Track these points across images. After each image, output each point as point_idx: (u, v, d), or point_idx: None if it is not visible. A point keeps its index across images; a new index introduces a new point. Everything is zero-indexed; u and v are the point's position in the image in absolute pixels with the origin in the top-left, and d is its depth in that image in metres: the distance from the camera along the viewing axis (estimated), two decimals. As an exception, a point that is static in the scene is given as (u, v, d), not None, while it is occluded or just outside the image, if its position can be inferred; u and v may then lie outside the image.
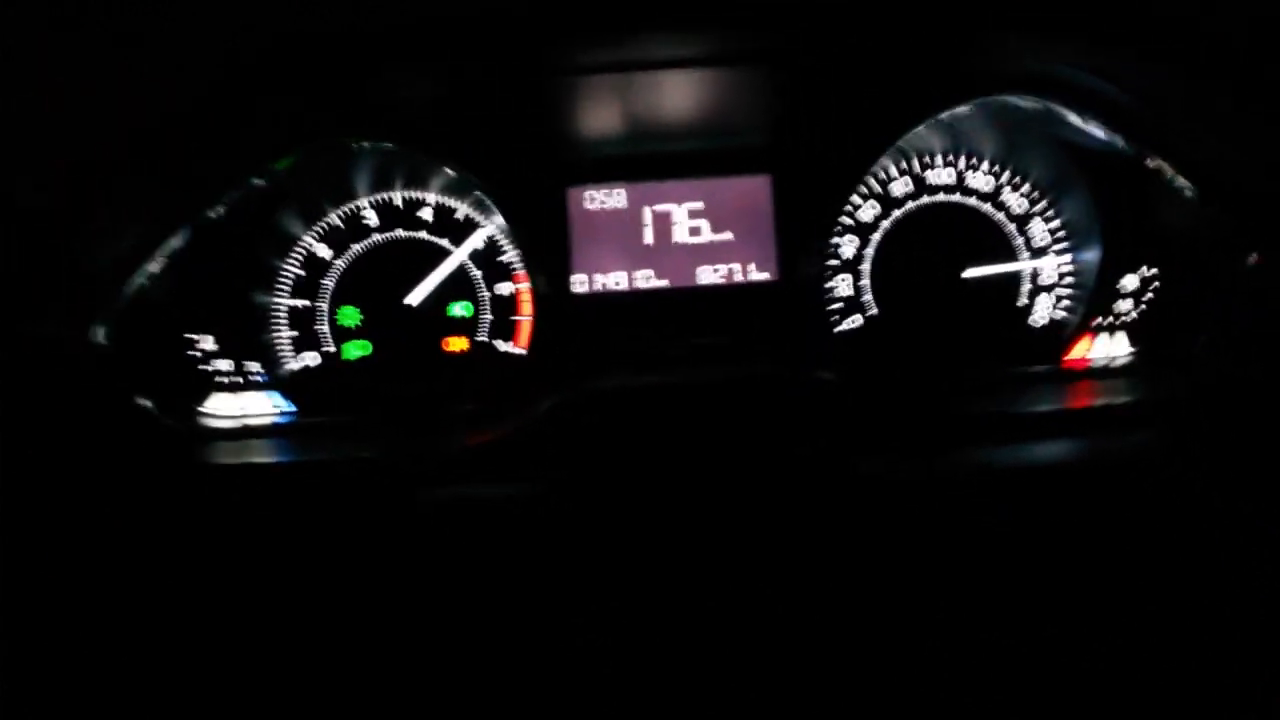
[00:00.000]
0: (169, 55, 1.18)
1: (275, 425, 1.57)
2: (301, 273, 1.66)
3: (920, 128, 1.53)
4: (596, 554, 1.26)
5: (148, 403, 1.46)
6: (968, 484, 1.29)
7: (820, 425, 1.41)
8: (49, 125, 1.19)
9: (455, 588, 1.26)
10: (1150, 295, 1.64)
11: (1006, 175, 1.70)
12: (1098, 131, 1.50)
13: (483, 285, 1.67)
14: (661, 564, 1.24)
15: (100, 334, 1.39)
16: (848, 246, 1.69)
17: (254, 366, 1.62)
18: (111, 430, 1.42)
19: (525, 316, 1.66)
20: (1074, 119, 1.50)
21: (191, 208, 1.45)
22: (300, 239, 1.66)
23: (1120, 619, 1.19)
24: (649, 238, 1.59)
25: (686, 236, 1.59)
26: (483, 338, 1.67)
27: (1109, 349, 1.67)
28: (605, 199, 1.59)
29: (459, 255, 1.65)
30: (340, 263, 1.66)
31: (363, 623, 1.25)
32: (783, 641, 1.20)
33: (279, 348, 1.65)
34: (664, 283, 1.59)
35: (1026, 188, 1.70)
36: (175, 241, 1.44)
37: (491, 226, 1.66)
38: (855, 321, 1.69)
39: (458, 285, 1.66)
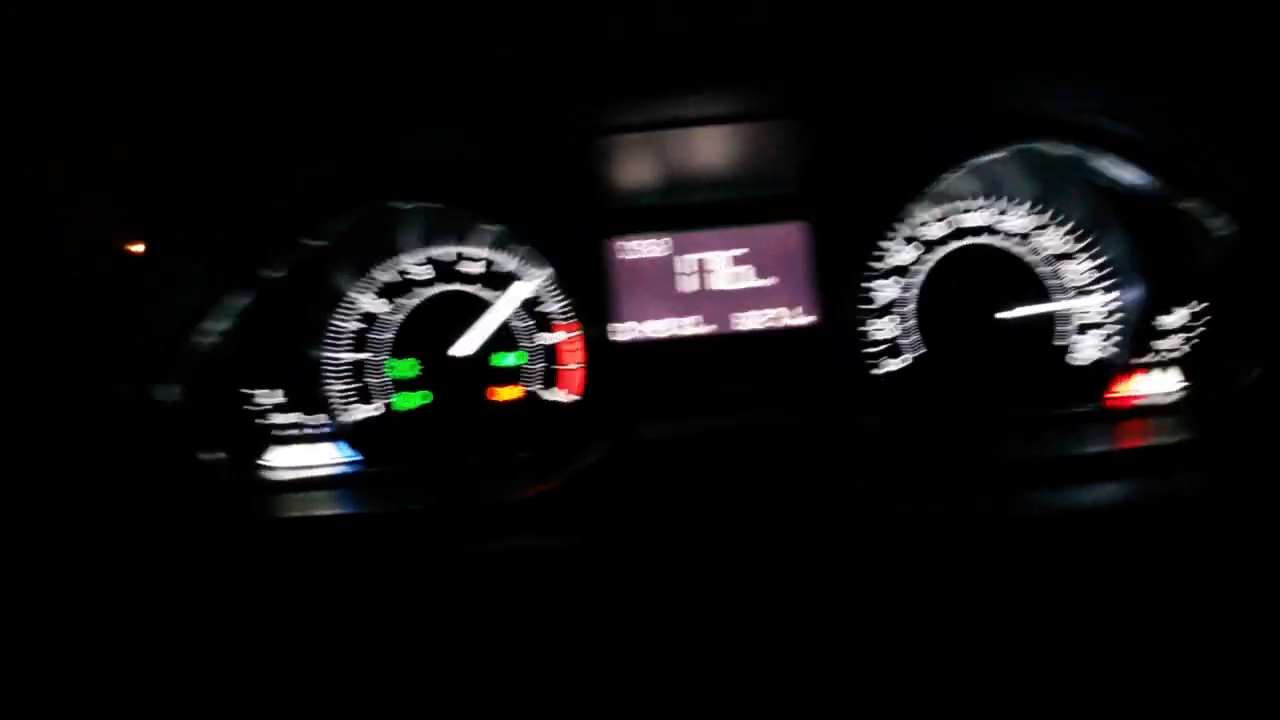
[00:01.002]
0: (219, 123, 1.25)
1: (333, 477, 1.61)
2: (357, 328, 1.72)
3: (954, 173, 1.56)
4: (646, 605, 1.27)
5: (213, 457, 1.52)
6: (1013, 528, 1.29)
7: (862, 470, 1.41)
8: (113, 190, 1.26)
9: (506, 639, 1.28)
10: (1197, 331, 1.64)
11: (1044, 217, 1.71)
12: (1130, 174, 1.51)
13: (529, 335, 1.72)
14: (711, 614, 1.25)
15: (169, 391, 1.46)
16: (887, 290, 1.71)
17: (320, 419, 1.68)
18: (176, 484, 1.48)
19: (572, 365, 1.70)
20: (1106, 163, 1.52)
21: (252, 268, 1.52)
22: (354, 295, 1.72)
23: (1172, 669, 1.17)
24: (689, 285, 1.63)
25: (726, 283, 1.63)
26: (532, 386, 1.72)
27: (1156, 386, 1.66)
28: (645, 249, 1.63)
29: (505, 307, 1.70)
30: (393, 317, 1.72)
31: (415, 673, 1.28)
32: (833, 690, 1.20)
33: (340, 400, 1.71)
34: (706, 329, 1.62)
35: (1066, 227, 1.71)
36: (239, 301, 1.52)
37: (536, 278, 1.71)
38: (896, 364, 1.70)
39: (506, 336, 1.71)
